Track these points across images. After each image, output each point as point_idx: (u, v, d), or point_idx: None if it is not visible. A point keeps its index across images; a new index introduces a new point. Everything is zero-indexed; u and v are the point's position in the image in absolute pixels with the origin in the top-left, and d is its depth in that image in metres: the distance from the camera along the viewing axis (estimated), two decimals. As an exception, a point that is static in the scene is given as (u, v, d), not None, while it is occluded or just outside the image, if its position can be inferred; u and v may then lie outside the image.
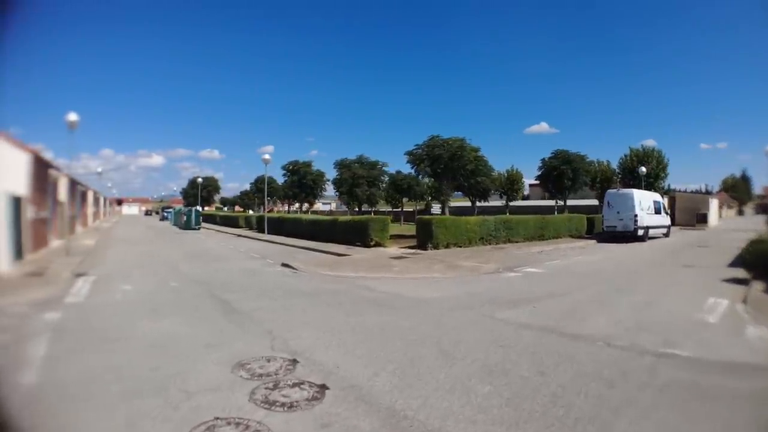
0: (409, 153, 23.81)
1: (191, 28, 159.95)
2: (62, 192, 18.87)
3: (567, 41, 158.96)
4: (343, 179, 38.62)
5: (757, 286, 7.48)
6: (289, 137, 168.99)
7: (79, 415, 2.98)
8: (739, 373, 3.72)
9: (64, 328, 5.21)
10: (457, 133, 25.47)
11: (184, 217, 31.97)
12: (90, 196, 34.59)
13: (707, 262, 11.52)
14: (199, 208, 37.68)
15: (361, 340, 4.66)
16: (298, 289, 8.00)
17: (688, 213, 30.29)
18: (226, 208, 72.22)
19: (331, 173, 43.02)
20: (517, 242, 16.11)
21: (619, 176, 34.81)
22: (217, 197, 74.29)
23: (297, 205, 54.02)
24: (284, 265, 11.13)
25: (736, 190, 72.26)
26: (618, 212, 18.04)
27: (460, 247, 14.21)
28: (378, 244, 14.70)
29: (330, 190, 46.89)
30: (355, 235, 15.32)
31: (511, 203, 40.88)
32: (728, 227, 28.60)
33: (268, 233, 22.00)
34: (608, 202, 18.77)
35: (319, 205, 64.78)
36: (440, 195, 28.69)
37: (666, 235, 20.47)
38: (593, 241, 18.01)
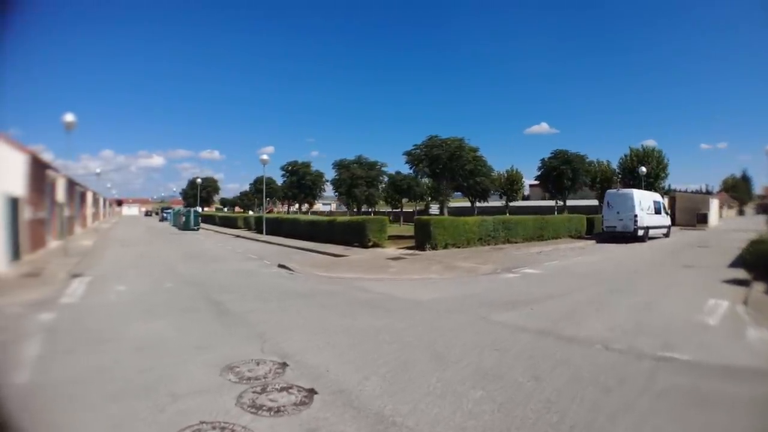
0: (408, 153, 23.75)
1: (191, 28, 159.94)
2: (60, 193, 18.83)
3: (567, 41, 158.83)
4: (342, 180, 38.56)
5: (758, 287, 7.39)
6: (290, 138, 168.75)
7: (67, 415, 2.99)
8: (740, 378, 3.62)
9: (57, 329, 5.26)
10: (457, 134, 25.41)
11: (183, 218, 31.93)
12: (89, 196, 34.56)
13: (707, 262, 11.43)
14: (198, 209, 37.65)
15: (354, 342, 4.58)
16: (293, 290, 7.93)
17: (688, 213, 30.18)
18: (226, 209, 72.21)
19: (330, 174, 42.99)
20: (516, 243, 16.02)
21: (620, 176, 34.72)
22: (216, 198, 74.31)
23: (297, 205, 53.97)
24: (281, 266, 11.06)
25: (737, 190, 72.17)
26: (618, 212, 17.94)
27: (459, 247, 14.13)
28: (376, 245, 14.62)
29: (329, 190, 46.89)
30: (353, 235, 15.25)
31: (511, 203, 40.77)
32: (729, 227, 28.49)
33: (267, 234, 21.94)
34: (608, 203, 18.68)
35: (319, 206, 64.75)
36: (439, 195, 28.61)
37: (666, 235, 20.37)
38: (593, 242, 17.92)
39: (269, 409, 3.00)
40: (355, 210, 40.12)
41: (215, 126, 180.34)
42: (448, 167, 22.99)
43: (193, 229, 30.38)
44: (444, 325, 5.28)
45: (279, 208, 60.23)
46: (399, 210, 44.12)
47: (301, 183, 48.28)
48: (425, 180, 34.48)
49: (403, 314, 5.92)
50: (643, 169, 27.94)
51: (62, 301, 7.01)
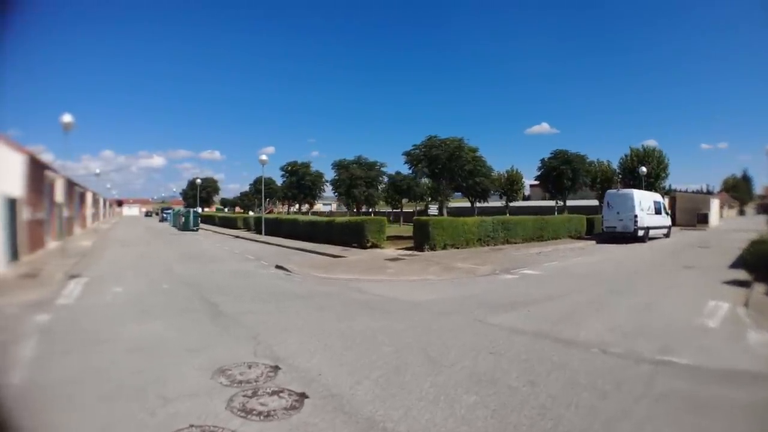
0: (407, 153, 23.72)
1: (191, 28, 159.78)
2: (59, 193, 18.81)
3: (567, 41, 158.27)
4: (341, 180, 38.56)
5: (759, 288, 7.32)
6: (291, 138, 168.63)
7: (58, 416, 3.00)
8: (739, 382, 3.55)
9: (52, 330, 5.27)
10: (457, 134, 25.42)
11: (183, 219, 31.93)
12: (89, 197, 34.55)
13: (708, 263, 11.35)
14: (198, 209, 37.64)
15: (348, 345, 4.52)
16: (290, 291, 7.88)
17: (688, 213, 30.08)
18: (226, 209, 72.27)
19: (330, 174, 43.00)
20: (515, 243, 15.95)
21: (620, 176, 34.64)
22: (216, 198, 74.37)
23: (297, 206, 53.97)
24: (278, 267, 11.01)
25: (737, 191, 72.02)
26: (618, 213, 17.87)
27: (458, 248, 14.06)
28: (374, 246, 14.56)
29: (329, 191, 46.89)
30: (352, 236, 15.20)
31: (511, 204, 40.71)
32: (729, 227, 28.39)
33: (266, 234, 21.90)
34: (608, 203, 18.60)
35: (319, 206, 64.78)
36: (438, 195, 28.54)
37: (666, 235, 20.29)
38: (593, 242, 17.85)
39: (259, 414, 2.97)
40: (355, 210, 40.10)
41: (216, 126, 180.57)
42: (447, 167, 22.95)
43: (193, 230, 30.36)
44: (440, 328, 5.22)
45: (279, 209, 60.21)
46: (399, 210, 44.09)
47: (300, 183, 48.30)
48: (425, 180, 34.43)
49: (399, 316, 5.86)
50: (644, 169, 27.86)
51: (58, 302, 6.99)
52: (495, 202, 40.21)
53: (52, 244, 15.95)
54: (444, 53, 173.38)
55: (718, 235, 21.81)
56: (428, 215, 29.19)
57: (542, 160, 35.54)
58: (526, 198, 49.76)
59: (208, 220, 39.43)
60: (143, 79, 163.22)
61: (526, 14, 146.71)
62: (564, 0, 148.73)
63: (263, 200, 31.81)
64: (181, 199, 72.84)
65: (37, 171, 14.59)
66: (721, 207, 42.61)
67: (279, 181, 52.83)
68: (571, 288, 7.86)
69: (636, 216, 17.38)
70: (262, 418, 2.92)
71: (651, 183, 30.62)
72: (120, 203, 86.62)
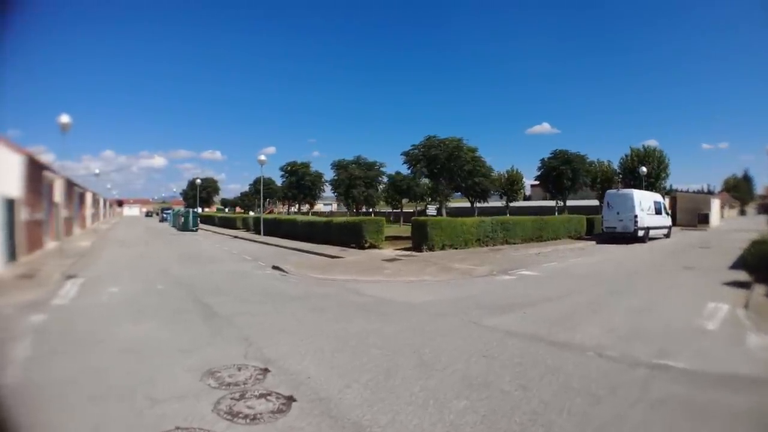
0: (406, 153, 23.58)
1: (191, 28, 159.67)
2: (58, 194, 18.79)
3: (567, 41, 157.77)
4: (340, 180, 38.49)
5: (759, 290, 7.23)
6: (291, 139, 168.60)
7: (47, 417, 3.02)
8: (738, 387, 3.47)
9: (47, 330, 5.28)
10: (458, 134, 25.31)
11: (182, 219, 31.94)
12: (89, 197, 34.57)
13: (708, 263, 11.26)
14: (198, 209, 37.65)
15: (340, 348, 4.46)
16: (286, 293, 7.83)
17: (689, 213, 29.94)
18: (227, 209, 72.25)
19: (330, 174, 42.94)
20: (514, 244, 15.88)
21: (620, 176, 34.49)
22: (217, 198, 74.36)
23: (297, 206, 53.92)
24: (275, 267, 10.96)
25: (738, 190, 71.72)
26: (618, 213, 17.77)
27: (456, 248, 13.99)
28: (373, 246, 14.51)
29: (329, 191, 46.83)
30: (350, 236, 15.14)
31: (511, 204, 40.54)
32: (730, 227, 28.25)
33: (265, 235, 21.85)
34: (608, 203, 18.51)
35: (320, 206, 64.73)
36: (437, 196, 28.44)
37: (667, 235, 20.18)
38: (592, 243, 17.76)
39: (245, 417, 2.95)
40: (354, 210, 40.05)
41: (216, 126, 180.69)
42: (446, 167, 22.81)
43: (192, 230, 30.35)
44: (434, 330, 5.16)
45: (279, 209, 60.18)
46: (399, 210, 44.02)
47: (300, 183, 48.22)
48: (425, 180, 34.34)
49: (393, 318, 5.80)
50: (644, 169, 27.75)
51: (54, 302, 6.99)
52: (495, 203, 40.06)
53: (50, 245, 15.94)
54: (444, 53, 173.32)
55: (719, 236, 21.69)
56: (426, 215, 29.10)
57: (542, 160, 35.41)
58: (526, 198, 49.58)
59: (208, 220, 39.44)
60: (144, 79, 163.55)
61: (526, 14, 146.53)
62: (564, 0, 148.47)
63: (262, 200, 31.76)
64: (181, 199, 72.85)
65: (35, 171, 14.58)
66: (722, 207, 42.45)
67: (279, 182, 52.83)
68: (569, 289, 7.79)
69: (636, 216, 17.29)
70: (248, 421, 2.88)
71: (651, 183, 30.48)
72: (120, 203, 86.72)
